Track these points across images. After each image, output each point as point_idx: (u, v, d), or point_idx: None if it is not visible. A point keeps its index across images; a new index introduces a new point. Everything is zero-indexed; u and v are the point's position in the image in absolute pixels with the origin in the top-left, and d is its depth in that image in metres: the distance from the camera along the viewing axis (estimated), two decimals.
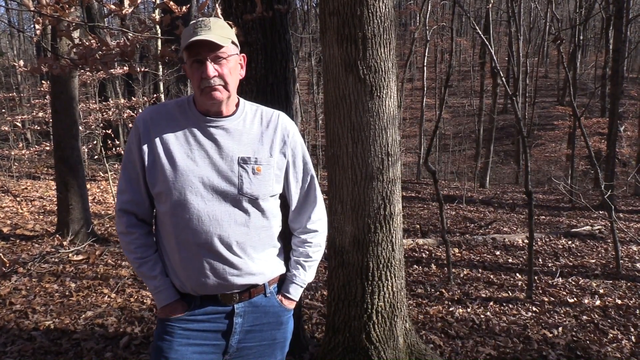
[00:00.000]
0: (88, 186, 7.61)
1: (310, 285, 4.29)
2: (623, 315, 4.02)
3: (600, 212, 8.00)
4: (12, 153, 11.06)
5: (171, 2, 2.45)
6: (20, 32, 26.12)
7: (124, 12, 2.37)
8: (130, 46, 2.56)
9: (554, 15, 7.76)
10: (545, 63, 34.75)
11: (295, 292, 1.56)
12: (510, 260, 5.70)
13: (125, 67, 7.52)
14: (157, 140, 1.39)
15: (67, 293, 4.04)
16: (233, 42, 1.40)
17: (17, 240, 5.64)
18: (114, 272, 4.60)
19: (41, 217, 7.11)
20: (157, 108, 1.46)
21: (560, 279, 4.99)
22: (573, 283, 4.88)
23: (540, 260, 5.74)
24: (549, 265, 5.56)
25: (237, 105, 1.48)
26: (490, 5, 15.83)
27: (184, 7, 2.58)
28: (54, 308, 3.73)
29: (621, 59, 10.42)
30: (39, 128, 11.23)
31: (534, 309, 4.10)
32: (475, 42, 28.82)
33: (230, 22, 1.60)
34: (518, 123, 5.31)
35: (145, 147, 1.39)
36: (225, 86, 1.38)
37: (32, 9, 2.27)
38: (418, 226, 7.50)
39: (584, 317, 3.96)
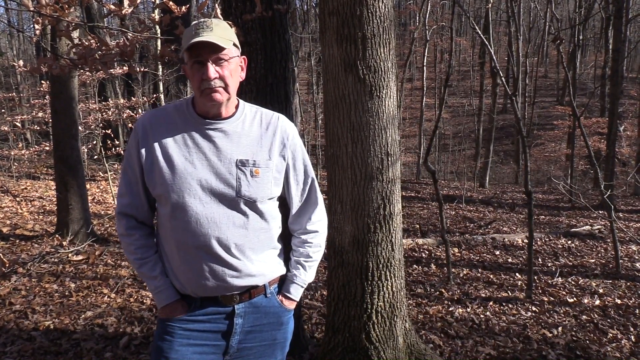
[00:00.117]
0: (88, 186, 7.60)
1: (310, 285, 4.29)
2: (622, 315, 4.02)
3: (600, 212, 8.01)
4: (12, 153, 11.06)
5: (171, 2, 2.45)
6: (20, 32, 26.11)
7: (123, 12, 2.37)
8: (130, 46, 2.56)
9: (553, 15, 7.76)
10: (544, 63, 34.76)
11: (296, 292, 1.56)
12: (509, 260, 5.70)
13: (124, 67, 7.52)
14: (156, 144, 1.40)
15: (66, 293, 4.04)
16: (235, 44, 1.40)
17: (17, 241, 5.64)
18: (114, 272, 4.60)
19: (41, 217, 7.11)
20: (155, 112, 1.46)
21: (559, 278, 4.99)
22: (573, 283, 4.89)
23: (539, 260, 5.74)
24: (549, 265, 5.56)
25: (237, 107, 1.47)
26: (490, 5, 15.83)
27: (183, 7, 2.58)
28: (53, 308, 3.73)
29: (621, 59, 10.42)
30: (38, 128, 11.23)
31: (534, 308, 4.11)
32: (474, 41, 28.83)
33: (229, 22, 1.60)
34: (518, 123, 5.31)
35: (143, 151, 1.40)
36: (226, 88, 1.37)
37: (32, 9, 2.27)
38: (418, 226, 7.50)
39: (584, 316, 3.96)
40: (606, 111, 13.22)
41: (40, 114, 10.21)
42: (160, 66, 7.77)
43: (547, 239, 6.83)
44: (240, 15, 2.58)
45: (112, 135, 9.33)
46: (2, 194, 8.65)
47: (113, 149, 8.91)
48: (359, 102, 2.44)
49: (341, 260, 2.64)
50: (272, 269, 1.51)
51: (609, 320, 3.91)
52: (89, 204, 6.25)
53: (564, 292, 4.57)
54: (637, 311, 4.11)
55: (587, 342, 3.47)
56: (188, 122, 1.42)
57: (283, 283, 1.57)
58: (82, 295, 3.99)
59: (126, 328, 3.40)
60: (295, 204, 1.56)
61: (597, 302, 4.32)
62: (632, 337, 3.60)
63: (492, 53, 5.31)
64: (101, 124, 9.25)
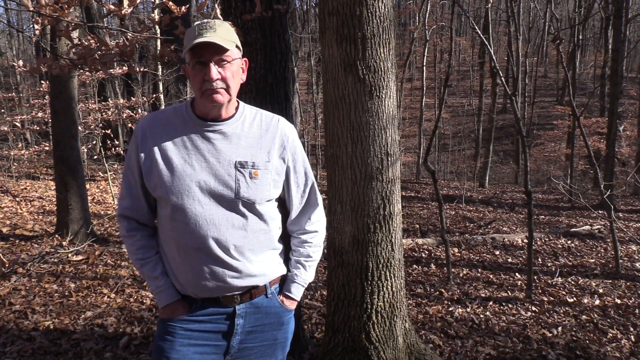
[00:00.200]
0: (87, 186, 7.60)
1: (309, 285, 4.29)
2: (622, 315, 4.02)
3: (600, 212, 8.01)
4: (12, 153, 11.05)
5: (170, 2, 2.45)
6: (20, 32, 26.11)
7: (123, 12, 2.37)
8: (130, 46, 2.56)
9: (553, 15, 7.77)
10: (544, 63, 34.78)
11: (297, 291, 1.56)
12: (509, 260, 5.70)
13: (124, 67, 7.52)
14: (155, 147, 1.40)
15: (66, 293, 4.04)
16: (237, 46, 1.41)
17: (17, 241, 5.64)
18: (114, 272, 4.60)
19: (40, 217, 7.11)
20: (154, 116, 1.47)
21: (559, 278, 4.99)
22: (572, 283, 4.89)
23: (539, 260, 5.75)
24: (549, 265, 5.56)
25: (237, 108, 1.47)
26: (490, 5, 15.83)
27: (183, 7, 2.58)
28: (53, 308, 3.73)
29: (620, 59, 10.42)
30: (38, 128, 11.23)
31: (534, 308, 4.11)
32: (474, 41, 28.84)
33: (229, 22, 1.60)
34: (517, 123, 5.31)
35: (142, 155, 1.41)
36: (227, 89, 1.37)
37: (32, 9, 2.27)
38: (417, 226, 7.50)
39: (584, 316, 3.96)
40: (606, 111, 13.22)
41: (40, 114, 10.21)
42: (160, 66, 7.77)
43: (546, 239, 6.83)
44: (240, 15, 2.58)
45: (112, 135, 9.32)
46: (2, 194, 8.64)
47: (113, 149, 8.91)
48: (358, 102, 2.44)
49: (341, 260, 2.64)
50: (272, 269, 1.51)
51: (608, 320, 3.91)
52: (89, 204, 6.25)
53: (564, 292, 4.57)
54: (636, 311, 4.11)
55: (587, 342, 3.47)
56: (187, 124, 1.42)
57: (283, 283, 1.58)
58: (82, 296, 3.99)
59: (126, 328, 3.40)
60: (295, 206, 1.56)
61: (597, 302, 4.33)
62: (632, 337, 3.60)
63: (492, 53, 5.31)
64: (101, 124, 9.25)
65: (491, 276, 5.02)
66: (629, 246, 6.46)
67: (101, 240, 5.79)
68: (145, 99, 9.55)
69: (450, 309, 4.01)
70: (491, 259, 5.74)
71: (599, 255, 6.06)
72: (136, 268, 1.50)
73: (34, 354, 3.01)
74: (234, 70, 1.38)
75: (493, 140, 16.67)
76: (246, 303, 1.47)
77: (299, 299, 1.58)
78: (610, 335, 3.61)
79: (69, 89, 5.47)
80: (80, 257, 5.01)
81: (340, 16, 2.37)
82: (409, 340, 2.76)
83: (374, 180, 2.52)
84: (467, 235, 6.90)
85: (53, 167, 6.50)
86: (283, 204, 1.57)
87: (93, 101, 11.53)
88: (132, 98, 10.79)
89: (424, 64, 13.48)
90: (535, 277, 4.89)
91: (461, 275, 5.03)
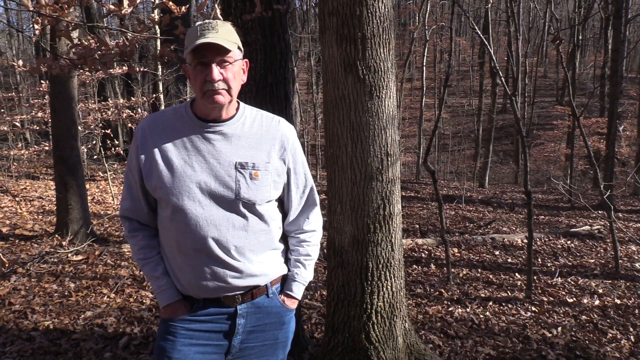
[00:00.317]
0: (87, 186, 7.59)
1: (309, 285, 4.29)
2: (622, 315, 4.03)
3: (599, 212, 8.01)
4: (11, 153, 11.05)
5: (170, 2, 2.45)
6: (20, 32, 26.10)
7: (123, 12, 2.37)
8: (130, 46, 2.56)
9: (553, 15, 7.77)
10: (544, 63, 34.79)
11: (298, 290, 1.57)
12: (509, 260, 5.70)
13: (124, 67, 7.52)
14: (155, 148, 1.40)
15: (66, 293, 4.04)
16: (238, 47, 1.41)
17: (16, 241, 5.64)
18: (113, 272, 4.60)
19: (40, 217, 7.11)
20: (154, 117, 1.47)
21: (559, 278, 4.99)
22: (572, 283, 4.89)
23: (539, 260, 5.75)
24: (548, 265, 5.56)
25: (237, 109, 1.47)
26: (490, 5, 15.84)
27: (183, 7, 2.58)
28: (53, 308, 3.73)
29: (620, 59, 10.43)
30: (38, 128, 11.22)
31: (533, 308, 4.11)
32: (474, 41, 28.84)
33: (229, 22, 1.60)
34: (517, 123, 5.31)
35: (142, 156, 1.41)
36: (229, 90, 1.37)
37: (31, 8, 2.27)
38: (417, 226, 7.50)
39: (583, 317, 3.96)
40: (605, 111, 13.23)
41: (39, 114, 10.21)
42: (159, 66, 7.77)
43: (546, 239, 6.83)
44: (240, 15, 2.58)
45: (112, 135, 9.33)
46: (2, 194, 8.64)
47: (112, 149, 8.91)
48: (358, 102, 2.44)
49: (341, 261, 2.64)
50: (273, 269, 1.51)
51: (608, 320, 3.91)
52: (89, 204, 6.25)
53: (564, 292, 4.57)
54: (636, 311, 4.11)
55: (587, 342, 3.47)
56: (187, 125, 1.42)
57: (284, 283, 1.58)
58: (82, 295, 3.99)
59: (126, 328, 3.40)
60: (294, 207, 1.56)
61: (597, 302, 4.33)
62: (632, 337, 3.60)
63: (492, 53, 5.31)
64: (101, 124, 9.25)
65: (491, 276, 5.02)
66: (628, 246, 6.46)
67: (101, 240, 5.79)
68: (145, 98, 9.54)
69: (450, 309, 4.02)
70: (491, 259, 5.74)
71: (599, 255, 6.06)
72: (139, 267, 1.51)
73: (33, 354, 3.01)
74: (235, 71, 1.38)
75: (493, 140, 16.68)
76: (247, 303, 1.47)
77: (300, 298, 1.59)
78: (610, 335, 3.61)
79: (69, 89, 5.47)
80: (80, 257, 5.01)
81: (340, 16, 2.37)
82: (408, 341, 2.76)
83: (374, 180, 2.52)
84: (466, 235, 6.90)
85: (53, 167, 6.49)
86: (281, 204, 1.57)
87: (93, 101, 11.53)
88: (132, 98, 10.79)
89: (424, 64, 13.48)
90: (535, 277, 4.89)
91: (461, 275, 5.04)
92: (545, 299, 4.35)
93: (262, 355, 1.53)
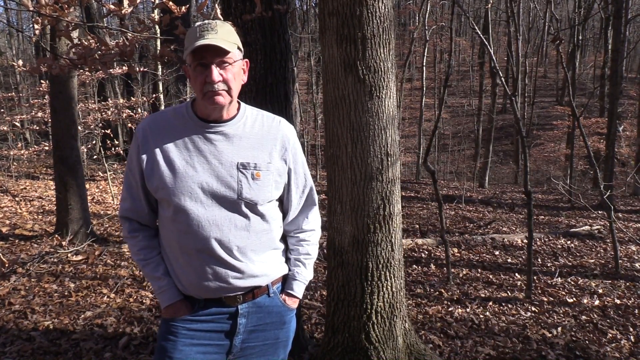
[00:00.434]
0: (87, 186, 7.60)
1: (309, 285, 4.29)
2: (622, 315, 4.03)
3: (599, 212, 8.01)
4: (11, 153, 11.04)
5: (170, 2, 2.45)
6: (19, 32, 26.09)
7: (123, 12, 2.37)
8: (130, 46, 2.55)
9: (553, 15, 7.77)
10: (544, 63, 34.79)
11: (299, 289, 1.58)
12: (509, 260, 5.70)
13: (124, 67, 7.52)
14: (157, 148, 1.40)
15: (66, 293, 4.04)
16: (238, 48, 1.41)
17: (16, 241, 5.64)
18: (113, 272, 4.60)
19: (40, 217, 7.11)
20: (155, 117, 1.47)
21: (559, 278, 5.00)
22: (572, 283, 4.89)
23: (539, 260, 5.75)
24: (548, 265, 5.56)
25: (238, 109, 1.47)
26: (489, 5, 15.84)
27: (183, 7, 2.58)
28: (53, 308, 3.73)
29: (620, 59, 10.43)
30: (37, 128, 11.21)
31: (533, 308, 4.11)
32: (474, 42, 28.85)
33: (230, 22, 1.60)
34: (517, 123, 5.31)
35: (144, 156, 1.40)
36: (229, 91, 1.37)
37: (31, 8, 2.26)
38: (417, 226, 7.50)
39: (583, 317, 3.96)
40: (605, 111, 13.22)
41: (39, 114, 10.20)
42: (159, 66, 7.77)
43: (546, 239, 6.83)
44: (240, 15, 2.58)
45: (112, 135, 9.32)
46: (2, 194, 8.64)
47: (112, 149, 8.91)
48: (358, 102, 2.44)
49: (341, 261, 2.64)
50: (274, 269, 1.52)
51: (608, 320, 3.91)
52: (89, 204, 6.25)
53: (564, 292, 4.57)
54: (636, 311, 4.11)
55: (587, 342, 3.47)
56: (188, 126, 1.42)
57: (284, 282, 1.58)
58: (82, 296, 3.99)
59: (125, 328, 3.40)
60: (294, 207, 1.57)
61: (597, 302, 4.33)
62: (632, 337, 3.60)
63: (492, 53, 5.31)
64: (100, 124, 9.25)
65: (491, 276, 5.02)
66: (628, 246, 6.46)
67: (101, 240, 5.78)
68: (145, 98, 9.54)
69: (449, 309, 4.01)
70: (491, 259, 5.74)
71: (599, 255, 6.06)
72: (140, 268, 1.51)
73: (33, 354, 3.00)
74: (235, 72, 1.38)
75: (493, 140, 16.68)
76: (249, 302, 1.47)
77: (300, 297, 1.59)
78: (610, 335, 3.61)
79: (69, 89, 5.47)
80: (79, 257, 5.01)
81: (340, 16, 2.37)
82: (408, 341, 2.76)
83: (373, 180, 2.52)
84: (466, 235, 6.90)
85: (53, 167, 6.49)
86: (280, 204, 1.57)
87: (93, 101, 11.52)
88: (131, 98, 10.78)
89: (424, 64, 13.48)
90: (534, 278, 4.89)
91: (461, 275, 5.03)
92: (545, 299, 4.35)
93: (263, 355, 1.53)
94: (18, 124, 10.91)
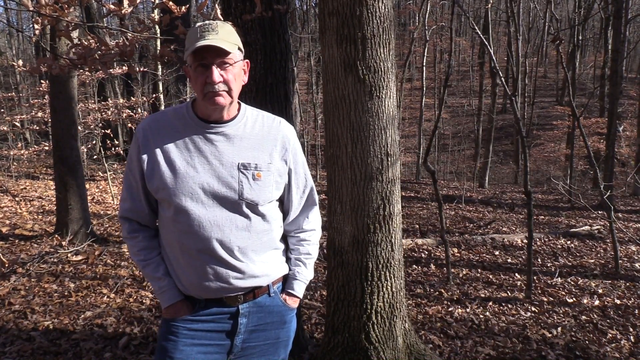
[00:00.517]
0: (87, 186, 7.60)
1: (309, 285, 4.29)
2: (622, 315, 4.03)
3: (599, 212, 8.01)
4: (11, 153, 11.04)
5: (170, 2, 2.45)
6: (19, 32, 26.09)
7: (123, 12, 2.37)
8: (130, 46, 2.55)
9: (553, 15, 7.77)
10: (544, 63, 34.79)
11: (300, 289, 1.58)
12: (509, 260, 5.70)
13: (124, 67, 7.52)
14: (157, 149, 1.40)
15: (66, 293, 4.04)
16: (239, 48, 1.41)
17: (16, 240, 5.64)
18: (113, 272, 4.60)
19: (40, 217, 7.11)
20: (155, 117, 1.46)
21: (559, 279, 5.00)
22: (572, 283, 4.89)
23: (539, 260, 5.75)
24: (548, 265, 5.56)
25: (238, 109, 1.48)
26: (490, 5, 15.84)
27: (183, 7, 2.58)
28: (53, 308, 3.73)
29: (620, 59, 10.42)
30: (37, 128, 11.22)
31: (533, 309, 4.11)
32: (474, 42, 28.85)
33: (229, 22, 1.60)
34: (517, 123, 5.31)
35: (144, 157, 1.40)
36: (229, 92, 1.37)
37: (31, 8, 2.26)
38: (417, 226, 7.50)
39: (583, 317, 3.96)
40: (605, 111, 13.22)
41: (39, 114, 10.21)
42: (159, 66, 7.77)
43: (546, 239, 6.83)
44: (240, 15, 2.58)
45: (112, 135, 9.32)
46: (2, 194, 8.64)
47: (112, 149, 8.91)
48: (358, 102, 2.44)
49: (341, 261, 2.64)
50: (275, 269, 1.52)
51: (608, 320, 3.91)
52: (89, 204, 6.25)
53: (564, 293, 4.57)
54: (636, 311, 4.11)
55: (587, 342, 3.47)
56: (189, 126, 1.42)
57: (285, 282, 1.58)
58: (82, 296, 3.99)
59: (125, 328, 3.40)
60: (295, 207, 1.57)
61: (597, 302, 4.33)
62: (632, 337, 3.60)
63: (492, 53, 5.31)
64: (100, 124, 9.25)
65: (491, 276, 5.02)
66: (628, 246, 6.46)
67: (101, 240, 5.78)
68: (145, 98, 9.54)
69: (449, 309, 4.02)
70: (491, 259, 5.74)
71: (599, 255, 6.06)
72: (140, 269, 1.51)
73: (33, 354, 3.00)
74: (235, 73, 1.38)
75: (493, 140, 16.67)
76: (249, 302, 1.48)
77: (301, 297, 1.59)
78: (610, 335, 3.61)
79: (69, 89, 5.47)
80: (79, 257, 5.01)
81: (340, 16, 2.37)
82: (408, 341, 2.76)
83: (373, 180, 2.52)
84: (466, 235, 6.90)
85: (53, 167, 6.49)
86: (281, 204, 1.57)
87: (93, 101, 11.51)
88: (131, 98, 10.78)
89: (424, 64, 13.48)
90: (534, 278, 4.89)
91: (461, 275, 5.04)
92: (545, 299, 4.35)
93: (264, 355, 1.53)
94: (18, 124, 10.91)
